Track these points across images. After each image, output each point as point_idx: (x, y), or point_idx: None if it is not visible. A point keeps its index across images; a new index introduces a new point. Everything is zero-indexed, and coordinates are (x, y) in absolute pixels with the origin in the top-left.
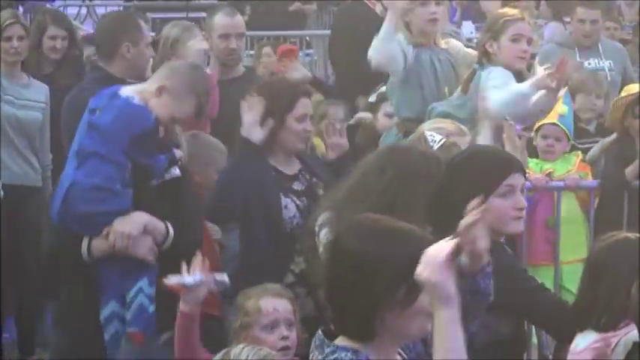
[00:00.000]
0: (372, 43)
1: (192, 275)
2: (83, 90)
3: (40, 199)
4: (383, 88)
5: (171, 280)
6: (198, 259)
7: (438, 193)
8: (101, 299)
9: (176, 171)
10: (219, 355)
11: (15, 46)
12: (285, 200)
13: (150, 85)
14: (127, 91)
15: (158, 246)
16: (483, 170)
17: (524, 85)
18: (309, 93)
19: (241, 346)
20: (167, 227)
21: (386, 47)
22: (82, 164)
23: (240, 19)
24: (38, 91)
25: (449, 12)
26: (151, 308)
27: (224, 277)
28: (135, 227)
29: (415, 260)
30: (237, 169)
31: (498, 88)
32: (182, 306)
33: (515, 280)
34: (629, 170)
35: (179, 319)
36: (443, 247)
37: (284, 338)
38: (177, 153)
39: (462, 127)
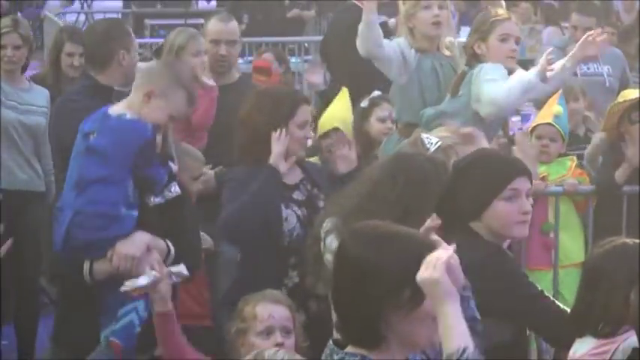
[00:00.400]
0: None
1: (146, 275)
2: (67, 101)
3: (44, 204)
4: (375, 93)
5: (126, 285)
6: (151, 257)
7: (443, 197)
8: (102, 321)
9: (176, 188)
10: (250, 356)
11: (9, 55)
12: (285, 212)
13: (135, 97)
14: (116, 109)
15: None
16: (488, 174)
17: (530, 73)
18: (309, 100)
19: (275, 349)
20: (168, 245)
21: (368, 35)
22: (84, 191)
23: (233, 26)
24: (40, 96)
25: (451, 17)
26: (138, 329)
27: (180, 268)
28: (138, 248)
29: (418, 262)
30: (260, 196)
31: (495, 81)
32: (155, 307)
33: (515, 286)
34: (619, 173)
35: (156, 321)
36: (442, 252)
37: (278, 345)
38: (174, 167)
39: (470, 132)
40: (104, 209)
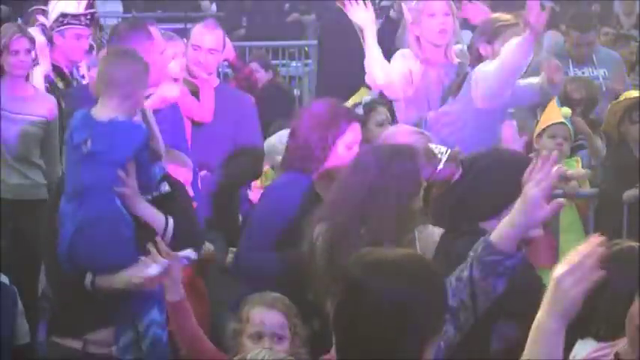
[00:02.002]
0: (366, 68)
1: (156, 265)
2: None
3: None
4: (366, 99)
5: (136, 278)
6: (152, 249)
7: (461, 197)
8: (119, 329)
9: (165, 187)
10: (236, 358)
11: (22, 60)
12: None
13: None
14: (101, 114)
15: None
16: (505, 177)
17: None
18: (362, 119)
19: (258, 349)
20: (166, 219)
21: (378, 68)
22: (82, 203)
23: (216, 35)
24: (41, 105)
25: (456, 23)
26: (165, 337)
27: (188, 253)
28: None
29: (442, 285)
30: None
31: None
32: (168, 296)
33: (523, 286)
34: (628, 195)
35: (170, 311)
36: (590, 255)
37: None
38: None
39: (419, 130)
40: (105, 215)
